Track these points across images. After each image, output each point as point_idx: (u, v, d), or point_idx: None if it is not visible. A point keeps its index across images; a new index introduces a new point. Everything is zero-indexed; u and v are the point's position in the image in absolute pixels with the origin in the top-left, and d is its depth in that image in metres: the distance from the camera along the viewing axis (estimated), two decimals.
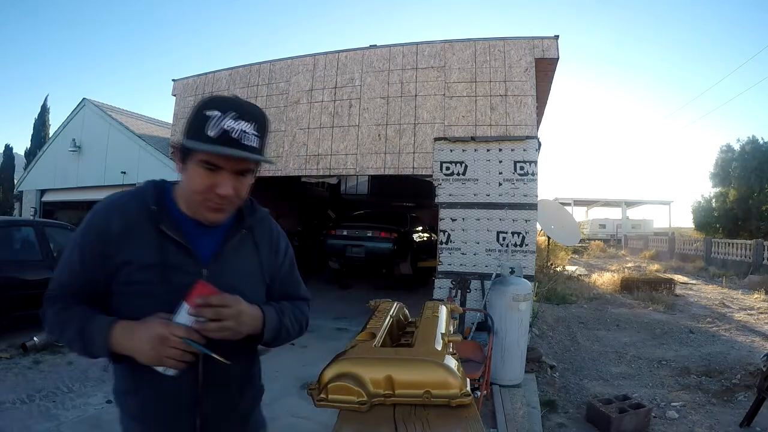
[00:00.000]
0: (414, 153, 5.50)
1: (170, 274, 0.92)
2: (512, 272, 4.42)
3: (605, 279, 11.21)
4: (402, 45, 5.78)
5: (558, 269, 11.83)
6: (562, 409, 3.69)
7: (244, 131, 0.88)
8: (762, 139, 18.43)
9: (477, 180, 5.22)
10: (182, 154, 0.92)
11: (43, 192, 10.86)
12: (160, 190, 0.99)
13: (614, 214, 33.70)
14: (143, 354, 0.85)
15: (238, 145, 0.87)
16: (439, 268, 5.29)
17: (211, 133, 0.86)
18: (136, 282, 0.91)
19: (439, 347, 0.92)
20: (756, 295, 9.69)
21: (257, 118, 0.91)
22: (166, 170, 7.01)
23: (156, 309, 0.88)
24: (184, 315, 0.86)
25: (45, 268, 4.77)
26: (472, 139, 5.27)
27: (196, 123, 0.88)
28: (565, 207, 12.69)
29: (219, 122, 0.86)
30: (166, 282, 0.91)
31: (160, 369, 0.86)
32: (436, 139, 5.41)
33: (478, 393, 3.04)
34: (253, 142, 0.90)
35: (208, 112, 0.87)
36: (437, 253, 5.38)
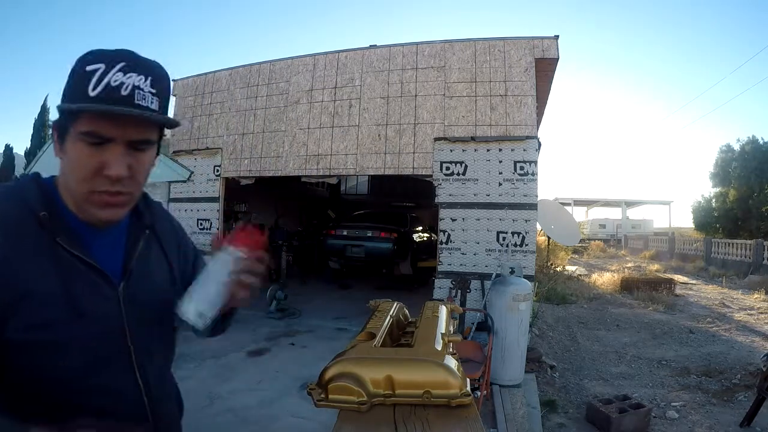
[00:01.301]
0: (414, 153, 5.50)
1: (80, 305, 0.69)
2: (512, 272, 4.42)
3: (605, 279, 11.21)
4: (402, 45, 5.78)
5: (558, 269, 11.84)
6: (562, 409, 3.69)
7: (138, 87, 0.67)
8: (762, 139, 18.46)
9: (477, 180, 5.22)
10: (61, 129, 0.70)
11: None
12: (43, 188, 0.74)
13: (614, 214, 33.73)
14: None
15: (129, 103, 0.66)
16: (439, 268, 5.29)
17: (94, 92, 0.65)
18: (38, 326, 0.66)
19: (439, 347, 0.92)
20: (756, 295, 9.69)
21: (153, 71, 0.70)
22: (167, 170, 7.00)
23: (72, 366, 0.68)
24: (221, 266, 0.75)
25: None
26: (472, 139, 5.27)
27: (73, 82, 0.67)
28: (565, 207, 12.69)
29: (104, 76, 0.65)
30: (77, 318, 0.69)
31: None
32: (436, 139, 5.41)
33: (478, 393, 3.04)
34: (150, 103, 0.68)
35: (90, 67, 0.66)
36: (437, 253, 5.38)
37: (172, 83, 6.26)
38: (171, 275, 0.87)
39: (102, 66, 0.66)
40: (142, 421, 0.79)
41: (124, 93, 0.66)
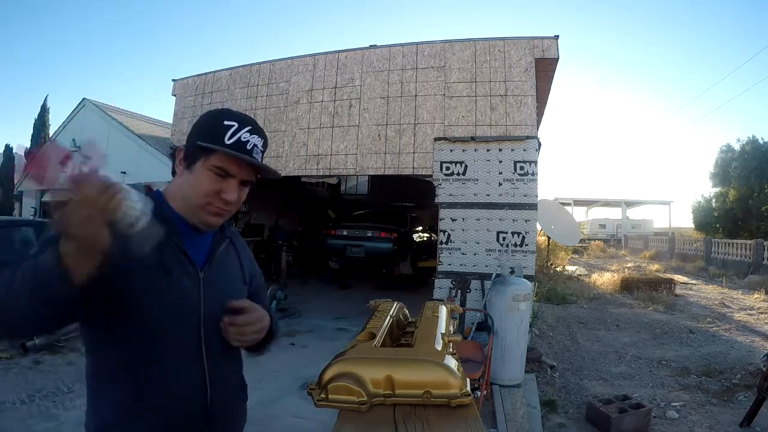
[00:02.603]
0: (414, 153, 5.50)
1: (170, 270, 0.93)
2: (512, 272, 4.42)
3: (605, 279, 11.21)
4: (402, 45, 5.78)
5: (558, 269, 11.84)
6: (562, 409, 3.69)
7: (256, 145, 0.97)
8: (762, 139, 18.46)
9: (477, 180, 5.22)
10: (191, 156, 0.95)
11: (43, 192, 10.86)
12: (151, 194, 0.99)
13: (614, 214, 33.72)
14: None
15: (249, 155, 0.94)
16: (439, 268, 5.29)
17: (229, 141, 0.92)
18: (143, 275, 0.90)
19: (439, 347, 0.92)
20: (756, 295, 9.70)
21: (264, 136, 1.00)
22: (167, 170, 6.99)
23: (156, 316, 0.91)
24: None
25: None
26: (472, 139, 5.27)
27: (214, 130, 0.93)
28: (565, 207, 12.69)
29: (237, 132, 0.93)
30: (166, 276, 0.92)
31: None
32: (436, 139, 5.41)
33: (478, 393, 3.04)
34: (260, 157, 0.98)
35: (227, 122, 0.94)
36: (437, 253, 5.38)
37: (172, 84, 6.22)
38: (242, 275, 1.09)
39: (236, 124, 0.94)
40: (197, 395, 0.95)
41: (248, 147, 0.95)
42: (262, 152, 1.00)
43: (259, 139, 0.98)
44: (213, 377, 0.97)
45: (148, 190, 1.01)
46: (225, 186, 0.94)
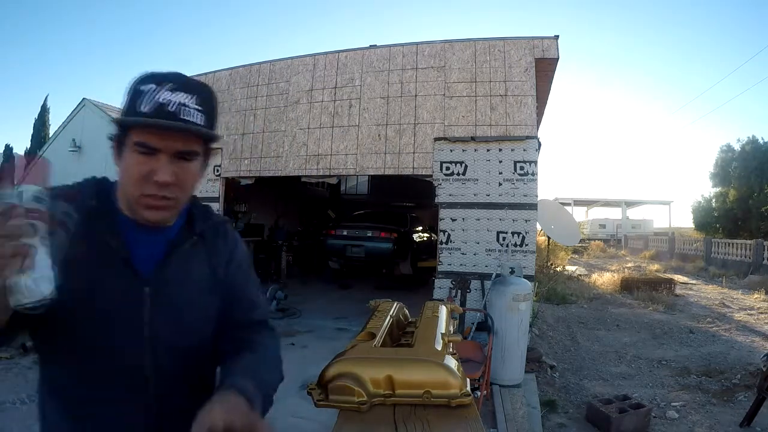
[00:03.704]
0: (414, 153, 5.50)
1: (100, 286, 0.76)
2: (512, 272, 4.42)
3: (605, 279, 11.21)
4: (402, 45, 5.78)
5: (558, 269, 11.83)
6: (562, 409, 3.68)
7: (184, 104, 0.74)
8: (762, 139, 18.46)
9: (477, 180, 5.22)
10: (117, 140, 0.78)
11: None
12: (102, 187, 0.83)
13: (614, 214, 33.70)
14: None
15: (175, 118, 0.73)
16: (439, 268, 5.29)
17: (144, 108, 0.73)
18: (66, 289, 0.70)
19: (439, 347, 0.92)
20: (756, 295, 9.69)
21: (200, 91, 0.78)
22: None
23: (86, 336, 0.75)
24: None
25: None
26: (472, 139, 5.27)
27: (130, 101, 0.75)
28: (565, 207, 12.68)
29: (154, 95, 0.73)
30: (95, 297, 0.75)
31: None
32: (436, 139, 5.41)
33: (478, 393, 3.04)
34: (196, 118, 0.76)
35: (144, 86, 0.74)
36: (437, 253, 5.38)
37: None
38: (213, 284, 0.87)
39: (153, 86, 0.74)
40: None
41: (170, 109, 0.73)
42: (200, 111, 0.77)
43: (187, 95, 0.75)
44: (166, 416, 0.79)
45: (99, 186, 0.83)
46: (154, 165, 0.74)
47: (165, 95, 0.73)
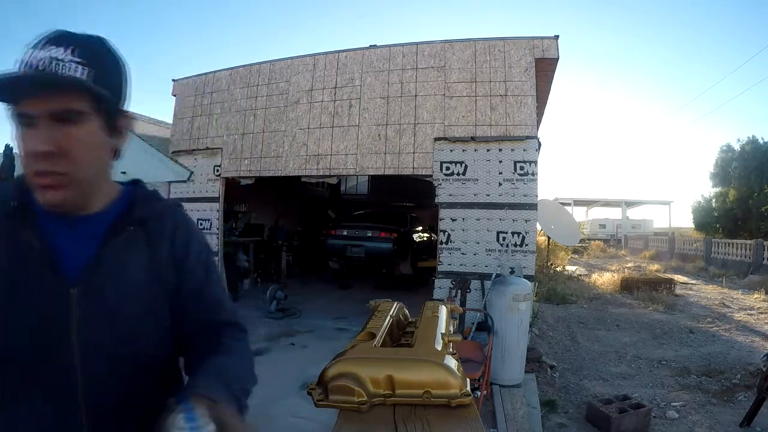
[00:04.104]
0: (414, 153, 5.50)
1: (22, 291, 0.67)
2: (512, 272, 4.42)
3: (605, 279, 11.21)
4: (402, 45, 5.78)
5: (558, 269, 11.83)
6: (562, 409, 3.68)
7: (56, 58, 0.63)
8: (762, 139, 18.45)
9: (477, 180, 5.22)
10: (11, 120, 0.67)
11: None
12: (26, 183, 0.70)
13: (614, 214, 33.70)
14: None
15: (41, 73, 0.63)
16: (439, 268, 5.29)
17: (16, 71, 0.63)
18: None
19: (439, 347, 0.92)
20: (756, 295, 9.69)
21: (84, 44, 0.66)
22: (167, 170, 6.99)
23: (9, 346, 0.66)
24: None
25: None
26: (472, 139, 5.27)
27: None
28: (565, 207, 12.69)
29: (27, 55, 0.64)
30: (17, 305, 0.66)
31: None
32: (436, 139, 5.41)
33: (478, 393, 3.04)
34: (74, 71, 0.64)
35: (23, 55, 0.64)
36: (437, 253, 5.38)
37: (172, 84, 6.13)
38: (156, 279, 0.75)
39: (28, 50, 0.64)
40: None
41: (40, 66, 0.62)
42: (83, 63, 0.64)
43: (61, 48, 0.63)
44: (101, 423, 0.69)
45: (22, 182, 0.71)
46: (34, 133, 0.64)
47: (33, 54, 0.63)
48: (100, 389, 0.69)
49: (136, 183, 0.84)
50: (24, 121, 0.64)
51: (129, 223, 0.74)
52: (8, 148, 6.49)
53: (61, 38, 0.64)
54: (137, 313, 0.73)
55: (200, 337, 0.80)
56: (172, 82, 7.17)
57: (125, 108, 0.74)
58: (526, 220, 5.08)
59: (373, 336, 1.01)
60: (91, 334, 0.68)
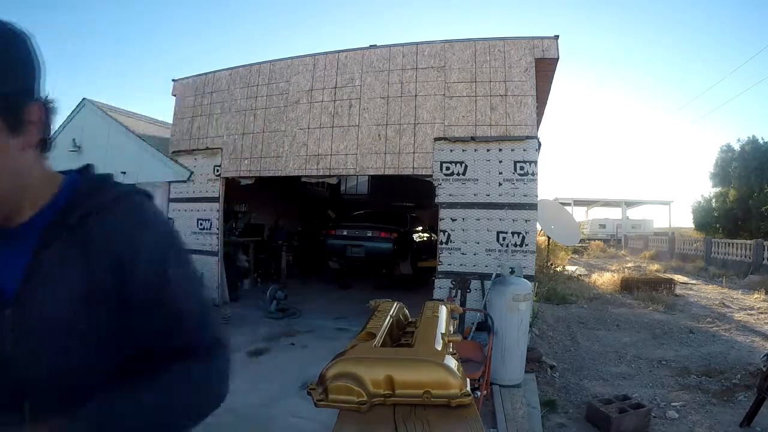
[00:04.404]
0: (414, 153, 5.50)
1: None
2: (512, 272, 4.42)
3: (605, 279, 11.21)
4: (402, 45, 5.78)
5: (558, 269, 11.84)
6: (562, 409, 3.69)
7: None
8: (762, 139, 18.47)
9: (477, 180, 5.23)
10: None
11: None
12: None
13: (614, 214, 33.70)
14: None
15: None
16: (439, 268, 5.29)
17: None
18: None
19: (439, 347, 0.92)
20: (756, 295, 9.69)
21: None
22: (167, 170, 7.00)
23: None
24: None
25: None
26: (472, 139, 5.27)
27: None
28: (565, 207, 12.70)
29: None
30: None
31: None
32: (436, 139, 5.41)
33: (478, 393, 3.04)
34: None
35: None
36: (437, 253, 5.38)
37: (172, 84, 6.08)
38: (91, 292, 0.63)
39: None
40: None
41: None
42: None
43: None
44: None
45: None
46: None
47: None
48: (34, 406, 0.61)
49: (83, 171, 0.72)
50: None
51: (60, 230, 0.63)
52: None
53: None
54: (70, 332, 0.62)
55: (137, 366, 0.66)
56: (172, 82, 7.18)
57: (37, 95, 0.61)
58: (526, 220, 5.08)
59: (373, 336, 1.01)
60: (24, 354, 0.61)
